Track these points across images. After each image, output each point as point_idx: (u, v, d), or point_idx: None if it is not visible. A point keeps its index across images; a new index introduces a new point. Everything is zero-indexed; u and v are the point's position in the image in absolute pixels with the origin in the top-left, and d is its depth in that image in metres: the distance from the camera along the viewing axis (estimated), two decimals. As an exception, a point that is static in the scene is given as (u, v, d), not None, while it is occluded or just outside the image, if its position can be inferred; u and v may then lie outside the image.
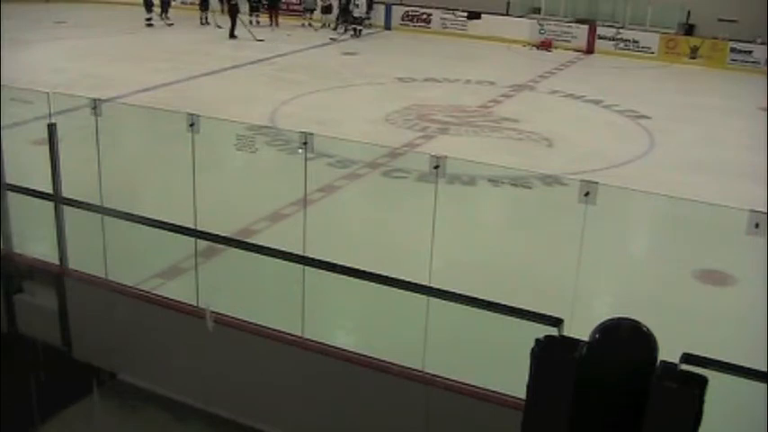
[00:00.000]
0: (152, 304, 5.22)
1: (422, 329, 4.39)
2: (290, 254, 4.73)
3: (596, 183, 3.99)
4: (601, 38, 21.95)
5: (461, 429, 4.24)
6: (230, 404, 4.91)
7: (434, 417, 4.29)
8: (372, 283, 4.37)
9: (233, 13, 20.96)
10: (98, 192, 5.54)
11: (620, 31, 21.90)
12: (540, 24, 22.74)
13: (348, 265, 4.50)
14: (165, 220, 5.16)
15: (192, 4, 24.81)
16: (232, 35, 20.88)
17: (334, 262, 4.56)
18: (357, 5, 22.72)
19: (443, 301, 4.21)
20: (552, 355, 2.65)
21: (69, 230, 5.49)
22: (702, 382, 2.50)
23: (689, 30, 21.55)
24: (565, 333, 3.13)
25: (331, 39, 22.00)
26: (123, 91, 13.66)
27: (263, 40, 20.61)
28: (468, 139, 12.42)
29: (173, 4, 24.11)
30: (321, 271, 4.60)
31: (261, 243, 5.84)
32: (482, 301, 4.09)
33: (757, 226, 3.47)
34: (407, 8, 24.53)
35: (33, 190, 5.57)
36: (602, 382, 2.57)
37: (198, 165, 5.31)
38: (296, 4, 24.89)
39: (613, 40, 21.84)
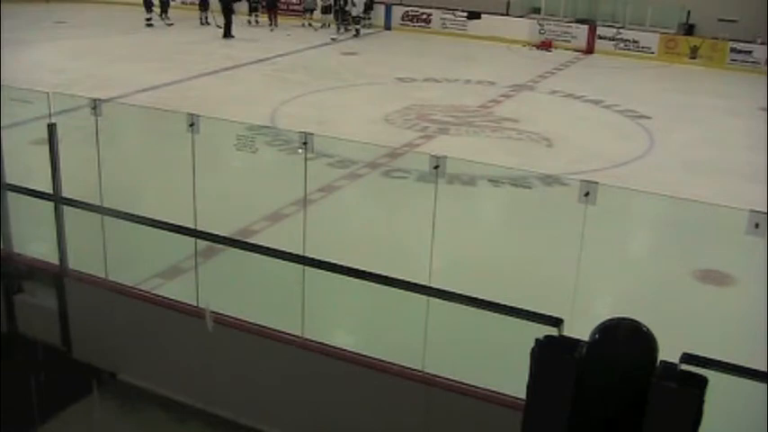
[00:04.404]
0: (152, 304, 5.22)
1: (422, 329, 4.39)
2: (290, 254, 4.73)
3: (596, 183, 4.00)
4: (601, 38, 21.94)
5: (461, 429, 4.24)
6: (230, 404, 4.91)
7: (434, 417, 4.29)
8: (372, 283, 4.37)
9: (227, 12, 20.97)
10: (98, 192, 5.55)
11: (620, 31, 21.89)
12: (540, 24, 22.74)
13: (348, 265, 4.50)
14: (165, 220, 5.15)
15: (191, 4, 24.80)
16: (227, 35, 20.85)
17: (334, 262, 4.56)
18: (354, 5, 22.72)
19: (443, 301, 4.21)
20: (552, 355, 2.65)
21: (69, 230, 5.48)
22: (702, 382, 2.49)
23: (689, 30, 21.55)
24: (565, 333, 3.13)
25: (332, 39, 22.00)
26: (123, 91, 13.66)
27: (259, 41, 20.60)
28: (468, 139, 12.41)
29: (172, 4, 24.09)
30: (321, 271, 4.59)
31: (261, 243, 5.84)
32: (482, 301, 4.09)
33: (757, 226, 3.47)
34: (407, 8, 24.52)
35: (33, 190, 5.57)
36: (603, 382, 2.57)
37: (198, 165, 5.32)
38: (296, 4, 24.89)
39: (613, 40, 21.83)
